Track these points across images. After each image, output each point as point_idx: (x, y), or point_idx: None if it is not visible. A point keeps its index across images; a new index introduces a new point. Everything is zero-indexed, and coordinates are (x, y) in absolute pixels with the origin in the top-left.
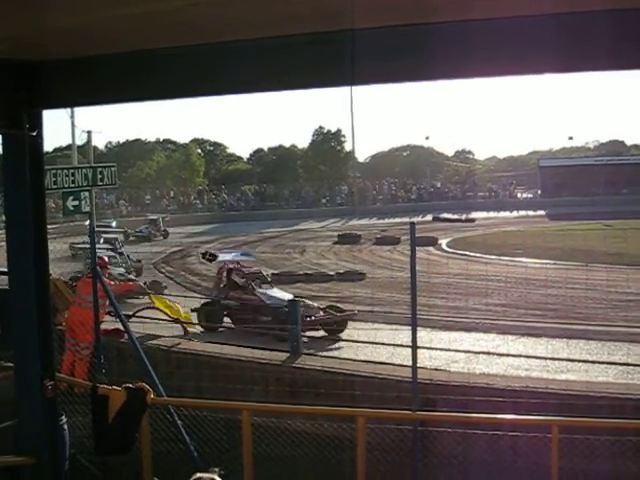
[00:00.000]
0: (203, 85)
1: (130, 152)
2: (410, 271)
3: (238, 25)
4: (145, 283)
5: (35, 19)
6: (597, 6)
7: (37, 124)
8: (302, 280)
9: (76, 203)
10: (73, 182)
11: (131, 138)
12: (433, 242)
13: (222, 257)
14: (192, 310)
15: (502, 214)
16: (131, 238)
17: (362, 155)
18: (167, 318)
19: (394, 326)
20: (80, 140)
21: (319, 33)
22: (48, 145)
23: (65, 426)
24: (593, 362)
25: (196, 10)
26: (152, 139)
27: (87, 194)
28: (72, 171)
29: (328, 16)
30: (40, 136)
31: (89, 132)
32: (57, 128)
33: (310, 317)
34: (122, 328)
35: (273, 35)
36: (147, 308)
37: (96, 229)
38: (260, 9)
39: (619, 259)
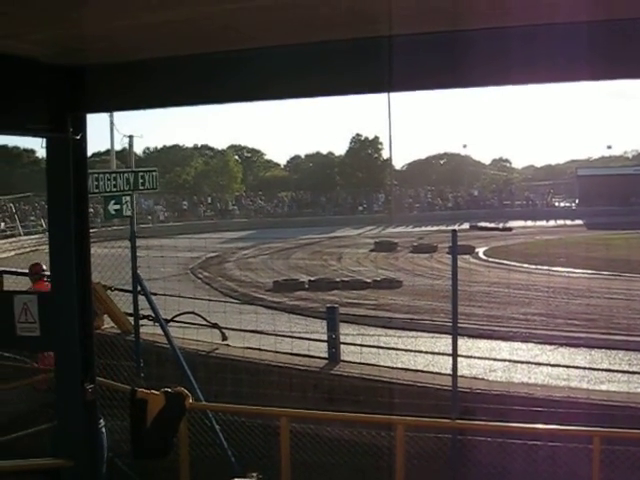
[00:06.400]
0: (243, 91)
1: (167, 158)
2: (452, 279)
3: (281, 30)
4: None
5: (80, 24)
6: (634, 13)
7: (81, 128)
8: (339, 287)
9: (117, 207)
10: (115, 186)
11: (169, 144)
12: (470, 250)
13: None
14: None
15: (539, 223)
16: None
17: (399, 163)
18: (205, 323)
19: (432, 334)
20: (121, 145)
21: (357, 39)
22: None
23: (103, 429)
24: (633, 373)
25: (240, 15)
26: (190, 145)
27: (128, 198)
28: (114, 175)
29: (366, 22)
30: (84, 140)
31: (130, 136)
32: (95, 134)
33: None
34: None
35: (312, 41)
36: (186, 313)
37: None
38: (304, 14)
39: None
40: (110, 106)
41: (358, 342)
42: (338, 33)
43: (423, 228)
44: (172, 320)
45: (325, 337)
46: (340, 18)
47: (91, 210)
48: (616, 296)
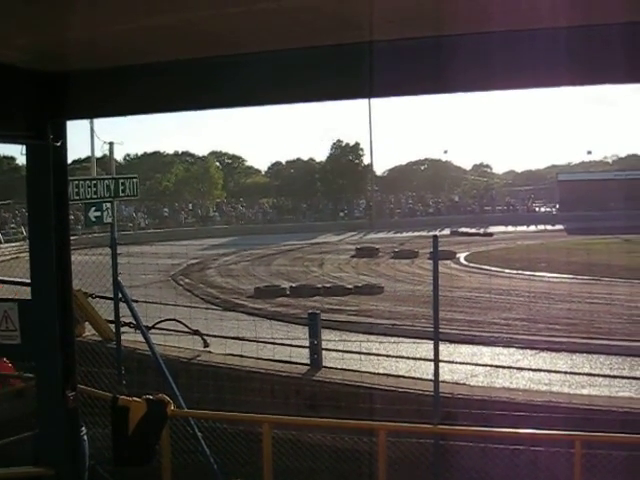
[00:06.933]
0: (227, 97)
1: (148, 164)
2: (433, 284)
3: (266, 36)
4: None
5: (59, 30)
6: (614, 19)
7: (61, 134)
8: (320, 293)
9: (98, 214)
10: (95, 193)
11: (149, 150)
12: (451, 256)
13: None
14: None
15: (520, 228)
16: None
17: (380, 169)
18: (186, 330)
19: (414, 339)
20: (101, 151)
21: (338, 45)
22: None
23: (85, 437)
24: (614, 377)
25: (224, 21)
26: (170, 151)
27: (109, 205)
28: (94, 182)
29: (347, 28)
30: (64, 147)
31: (111, 143)
32: (76, 140)
33: None
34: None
35: (293, 47)
36: (168, 320)
37: None
38: (289, 20)
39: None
40: (91, 113)
41: (340, 348)
42: (322, 39)
43: (404, 234)
44: (153, 327)
45: (307, 343)
46: (327, 23)
47: (72, 217)
48: (597, 300)
